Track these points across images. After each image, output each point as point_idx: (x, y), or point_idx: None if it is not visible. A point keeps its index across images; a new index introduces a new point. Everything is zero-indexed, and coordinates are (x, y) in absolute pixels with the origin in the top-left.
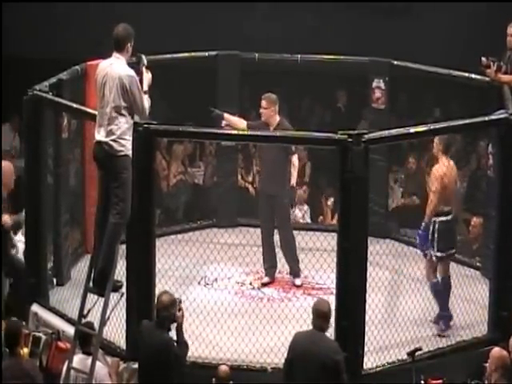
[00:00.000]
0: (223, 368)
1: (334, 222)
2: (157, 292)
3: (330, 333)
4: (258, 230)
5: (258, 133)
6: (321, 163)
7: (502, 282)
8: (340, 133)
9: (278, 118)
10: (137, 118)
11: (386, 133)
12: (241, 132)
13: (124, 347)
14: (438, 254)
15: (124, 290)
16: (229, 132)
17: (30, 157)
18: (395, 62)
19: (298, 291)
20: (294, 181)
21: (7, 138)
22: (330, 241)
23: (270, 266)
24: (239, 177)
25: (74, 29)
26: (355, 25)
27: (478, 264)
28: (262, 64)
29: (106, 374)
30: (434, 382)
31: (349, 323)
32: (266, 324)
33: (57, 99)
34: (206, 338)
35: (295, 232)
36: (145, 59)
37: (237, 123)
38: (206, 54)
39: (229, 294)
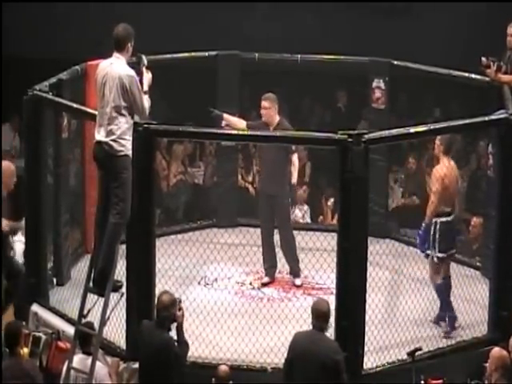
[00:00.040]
0: (223, 368)
1: (334, 222)
2: (157, 292)
3: (330, 333)
4: (258, 230)
5: (258, 133)
6: (321, 163)
7: (502, 282)
8: (340, 133)
9: (277, 117)
10: (137, 118)
11: (386, 133)
12: (241, 132)
13: (124, 347)
14: (440, 255)
15: (124, 289)
16: (229, 132)
17: (30, 157)
18: (395, 62)
19: (298, 291)
20: (294, 179)
21: (7, 138)
22: (330, 241)
23: (269, 265)
24: (239, 177)
25: (73, 29)
26: (355, 25)
27: (478, 264)
28: (261, 64)
29: (106, 374)
30: (434, 382)
31: (349, 323)
32: (266, 324)
33: (57, 99)
34: (206, 337)
35: (295, 232)
36: (145, 59)
37: (236, 123)
38: (206, 54)
39: (229, 293)
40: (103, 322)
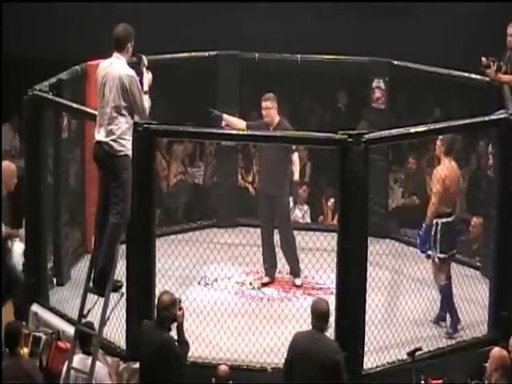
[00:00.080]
0: (223, 368)
1: (334, 222)
2: (157, 292)
3: (330, 333)
4: (258, 230)
5: (258, 133)
6: (321, 163)
7: (502, 282)
8: (340, 133)
9: (277, 117)
10: (137, 118)
11: (386, 133)
12: (241, 132)
13: (124, 347)
14: (441, 256)
15: (124, 289)
16: (229, 132)
17: (30, 157)
18: (395, 62)
19: (298, 291)
20: (296, 177)
21: (7, 138)
22: (330, 241)
23: (269, 265)
24: (239, 177)
25: (73, 29)
26: (355, 25)
27: (478, 264)
28: (262, 64)
29: (106, 374)
30: (434, 382)
31: (349, 323)
32: (266, 324)
33: (57, 99)
34: (206, 337)
35: (295, 232)
36: (145, 60)
37: (236, 124)
38: (206, 54)
39: (229, 293)
40: (103, 322)
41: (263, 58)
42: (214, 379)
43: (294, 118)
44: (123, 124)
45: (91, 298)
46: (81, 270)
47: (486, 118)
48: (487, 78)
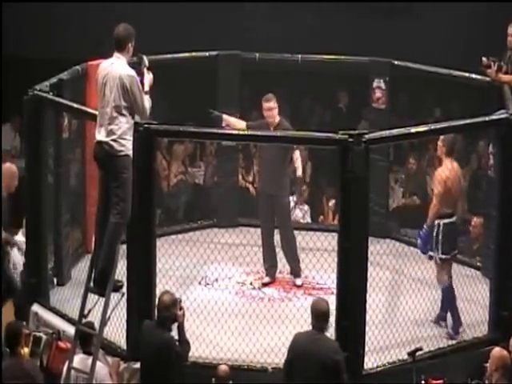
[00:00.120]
0: (223, 368)
1: (335, 222)
2: (157, 292)
3: (331, 333)
4: (259, 230)
5: (259, 133)
6: (321, 163)
7: (503, 282)
8: (341, 133)
9: (278, 117)
10: (137, 118)
11: (386, 133)
12: (241, 132)
13: (124, 347)
14: (443, 257)
15: (124, 289)
16: (229, 132)
17: (30, 157)
18: (396, 62)
19: (299, 291)
20: (299, 173)
21: (8, 138)
22: (331, 241)
23: (270, 265)
24: (240, 177)
25: (73, 29)
26: (355, 25)
27: (478, 264)
28: (262, 64)
29: (106, 374)
30: (435, 382)
31: (349, 323)
32: (267, 324)
33: (57, 99)
34: (207, 337)
35: (296, 232)
36: (146, 60)
37: (236, 124)
38: (207, 53)
39: (229, 294)
40: (104, 322)
41: (264, 58)
42: (214, 379)
43: (294, 118)
44: (124, 124)
45: (92, 297)
46: (81, 269)
47: (487, 118)
48: (488, 78)
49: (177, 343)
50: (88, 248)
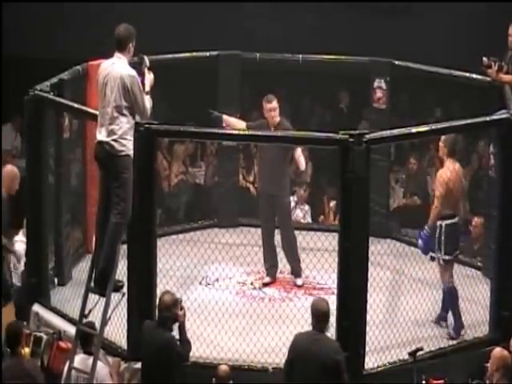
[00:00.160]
0: (223, 367)
1: (336, 222)
2: (158, 292)
3: (332, 333)
4: (259, 230)
5: (259, 133)
6: (322, 163)
7: (504, 282)
8: (341, 133)
9: (278, 117)
10: (138, 118)
11: (387, 133)
12: (242, 132)
13: (125, 347)
14: (446, 258)
15: (125, 289)
16: (230, 132)
17: (31, 157)
18: (396, 62)
19: (299, 291)
20: (303, 166)
21: (9, 138)
22: (331, 241)
23: (270, 265)
24: (240, 177)
25: (74, 29)
26: (355, 25)
27: (479, 264)
28: (263, 64)
29: (107, 374)
30: (436, 382)
31: (350, 323)
32: (267, 324)
33: (58, 99)
34: (208, 338)
35: (296, 232)
36: (147, 60)
37: (236, 125)
38: (208, 54)
39: (230, 294)
40: (104, 322)
41: (264, 58)
42: (214, 379)
43: (294, 118)
44: (124, 124)
45: (92, 297)
46: (82, 269)
47: (488, 118)
48: (488, 78)
49: (178, 343)
50: (89, 248)
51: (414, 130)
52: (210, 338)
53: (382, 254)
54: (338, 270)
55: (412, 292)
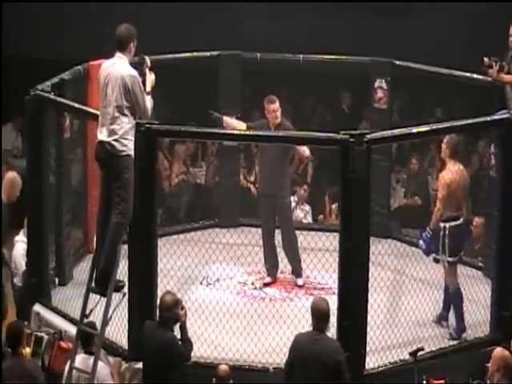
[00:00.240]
0: (223, 367)
1: (337, 222)
2: (159, 292)
3: (332, 333)
4: (260, 230)
5: (260, 133)
6: (322, 163)
7: (504, 282)
8: (342, 133)
9: (279, 118)
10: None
11: (388, 133)
12: (243, 132)
13: (126, 347)
14: (450, 260)
15: (126, 289)
16: (231, 132)
17: (32, 157)
18: (397, 62)
19: (300, 291)
20: (306, 150)
21: (10, 138)
22: (332, 241)
23: (271, 265)
24: (241, 177)
25: (74, 29)
26: (355, 25)
27: (480, 264)
28: (263, 64)
29: (107, 374)
30: (436, 382)
31: (351, 323)
32: (268, 324)
33: (59, 99)
34: (208, 337)
35: (297, 232)
36: (148, 61)
37: (236, 126)
38: (208, 54)
39: (231, 293)
40: (105, 322)
41: (265, 58)
42: (214, 379)
43: (295, 118)
44: (125, 124)
45: (93, 297)
46: (83, 269)
47: (488, 118)
48: (489, 78)
49: (179, 343)
50: (89, 248)
51: (414, 130)
52: (211, 338)
53: (382, 254)
54: (338, 270)
55: (413, 292)
